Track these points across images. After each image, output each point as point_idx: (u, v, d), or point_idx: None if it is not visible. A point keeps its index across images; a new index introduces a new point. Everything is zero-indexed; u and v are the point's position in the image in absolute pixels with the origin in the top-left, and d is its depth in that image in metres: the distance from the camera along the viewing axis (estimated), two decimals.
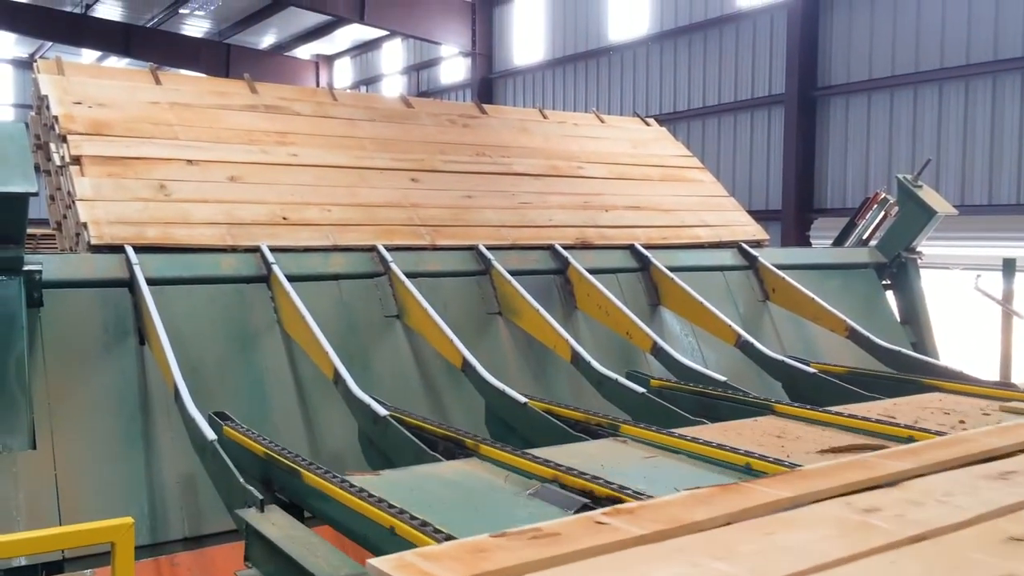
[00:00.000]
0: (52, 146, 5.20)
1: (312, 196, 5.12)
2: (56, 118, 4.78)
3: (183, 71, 22.01)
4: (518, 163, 6.21)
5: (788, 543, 1.60)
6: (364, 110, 6.14)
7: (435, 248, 5.20)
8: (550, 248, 5.70)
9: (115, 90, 5.24)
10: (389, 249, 4.95)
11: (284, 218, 4.85)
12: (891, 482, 2.02)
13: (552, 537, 1.58)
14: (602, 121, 7.59)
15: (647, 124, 7.89)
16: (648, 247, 6.03)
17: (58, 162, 5.04)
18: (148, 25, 25.53)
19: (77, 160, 4.59)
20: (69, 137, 4.64)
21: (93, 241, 4.21)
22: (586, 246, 5.86)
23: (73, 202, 4.66)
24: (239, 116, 5.48)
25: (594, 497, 2.61)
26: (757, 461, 2.95)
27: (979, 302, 7.86)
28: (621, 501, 2.55)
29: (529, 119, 7.01)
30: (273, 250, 4.61)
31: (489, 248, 5.39)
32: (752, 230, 6.76)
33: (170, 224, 4.53)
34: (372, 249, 5.07)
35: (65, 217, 5.21)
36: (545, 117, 7.15)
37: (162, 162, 4.84)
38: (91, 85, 5.20)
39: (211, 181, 4.89)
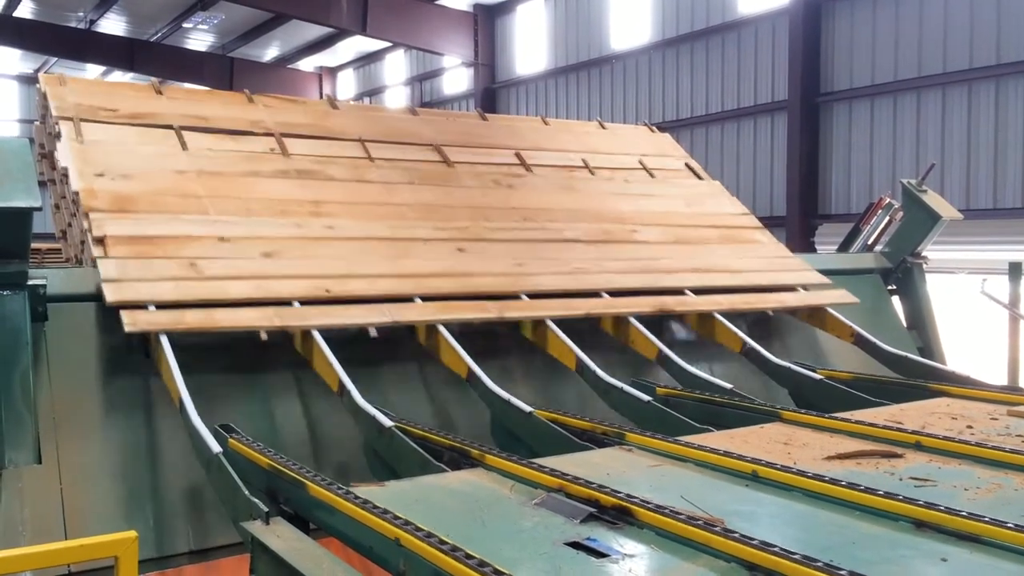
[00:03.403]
0: (56, 155, 5.22)
1: (355, 267, 4.64)
2: (77, 194, 4.41)
3: (186, 84, 22.12)
4: (568, 228, 5.62)
5: None
6: (401, 171, 5.62)
7: (503, 321, 4.67)
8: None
9: (140, 157, 4.81)
10: (449, 324, 4.44)
11: (327, 290, 4.36)
12: None
13: None
14: (604, 127, 7.59)
15: (652, 131, 7.88)
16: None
17: (61, 170, 5.06)
18: (152, 40, 25.68)
19: (101, 241, 4.15)
20: (92, 215, 4.24)
21: (128, 329, 3.78)
22: (664, 314, 5.20)
23: (78, 210, 4.67)
24: (270, 184, 5.04)
25: (600, 506, 2.60)
26: (764, 468, 2.93)
27: (986, 306, 7.83)
28: (627, 510, 2.54)
29: (576, 176, 6.40)
30: (324, 331, 4.15)
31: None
32: (838, 294, 5.98)
33: (206, 306, 4.03)
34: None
35: (70, 225, 5.22)
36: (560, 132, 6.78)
37: (192, 239, 4.38)
38: (113, 146, 4.86)
39: (245, 258, 4.42)
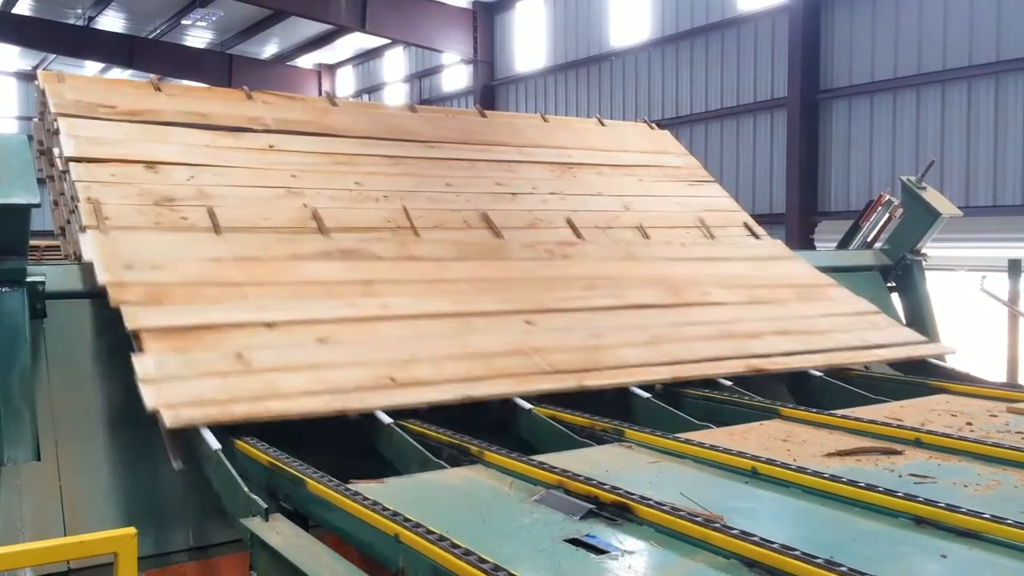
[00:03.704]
0: (55, 151, 5.22)
1: (417, 350, 4.17)
2: (105, 289, 3.92)
3: (185, 81, 22.09)
4: (638, 294, 5.20)
5: None
6: (451, 244, 5.21)
7: (584, 391, 4.18)
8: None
9: (170, 244, 4.40)
10: (529, 396, 4.00)
11: (392, 379, 3.91)
12: None
13: None
14: (603, 124, 7.59)
15: (652, 128, 7.88)
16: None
17: (61, 167, 5.05)
18: (151, 37, 25.64)
19: (136, 336, 3.73)
20: (123, 308, 3.80)
21: (170, 424, 3.33)
22: (756, 372, 4.71)
23: (77, 206, 4.66)
24: (313, 266, 4.60)
25: (599, 503, 2.60)
26: (763, 465, 2.93)
27: (985, 303, 7.83)
28: (627, 507, 2.54)
29: (635, 241, 5.99)
30: (392, 411, 3.72)
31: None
32: (934, 347, 5.60)
33: (259, 399, 3.59)
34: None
35: (68, 222, 5.21)
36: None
37: (235, 328, 3.92)
38: (142, 242, 4.35)
39: (297, 345, 3.95)
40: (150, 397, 3.38)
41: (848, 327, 5.42)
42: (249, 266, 4.43)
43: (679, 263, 5.81)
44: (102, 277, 3.93)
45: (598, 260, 5.52)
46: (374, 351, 4.04)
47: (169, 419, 3.28)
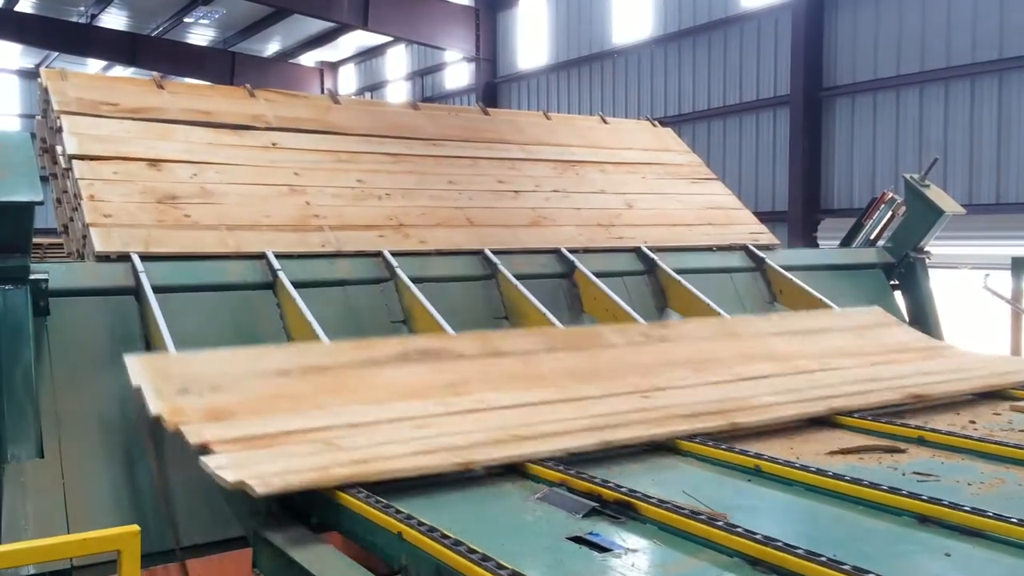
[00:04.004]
0: (58, 149, 5.22)
1: (532, 419, 3.68)
2: (160, 418, 3.34)
3: (188, 79, 22.09)
4: (750, 369, 4.70)
5: None
6: (539, 337, 4.69)
7: (736, 430, 3.55)
8: (556, 252, 5.68)
9: (227, 362, 3.78)
10: (677, 438, 3.44)
11: (514, 435, 3.42)
12: None
13: None
14: (606, 122, 7.58)
15: (655, 126, 7.87)
16: (655, 250, 5.89)
17: (64, 164, 5.05)
18: (153, 35, 25.65)
19: (204, 448, 3.12)
20: (183, 427, 3.24)
21: (260, 491, 2.73)
22: (917, 399, 4.31)
23: (80, 204, 4.66)
24: (392, 372, 4.03)
25: (603, 501, 2.60)
26: (767, 463, 2.93)
27: (988, 301, 7.82)
28: (630, 504, 2.53)
29: (729, 323, 5.37)
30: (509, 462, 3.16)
31: (496, 252, 5.35)
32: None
33: (362, 462, 3.06)
34: (378, 254, 5.07)
35: (72, 220, 5.22)
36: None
37: (317, 431, 3.36)
38: (197, 361, 3.75)
39: (392, 431, 3.45)
40: (230, 474, 2.75)
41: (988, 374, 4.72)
42: (318, 377, 3.82)
43: (782, 337, 5.25)
44: (155, 406, 3.24)
45: (699, 341, 4.98)
46: (483, 425, 3.45)
47: (259, 486, 2.67)
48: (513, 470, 2.97)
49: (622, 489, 2.61)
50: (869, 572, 1.97)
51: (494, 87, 21.81)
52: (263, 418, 3.35)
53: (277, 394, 3.57)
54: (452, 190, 5.93)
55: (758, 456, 2.99)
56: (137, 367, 3.51)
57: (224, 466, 2.85)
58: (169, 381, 3.50)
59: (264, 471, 2.76)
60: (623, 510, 2.53)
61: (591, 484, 2.69)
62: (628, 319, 5.11)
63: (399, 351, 4.13)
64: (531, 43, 20.91)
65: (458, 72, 23.77)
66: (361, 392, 3.73)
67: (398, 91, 26.28)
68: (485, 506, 2.71)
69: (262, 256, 4.71)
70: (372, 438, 3.20)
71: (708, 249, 6.40)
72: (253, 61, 26.96)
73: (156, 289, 4.19)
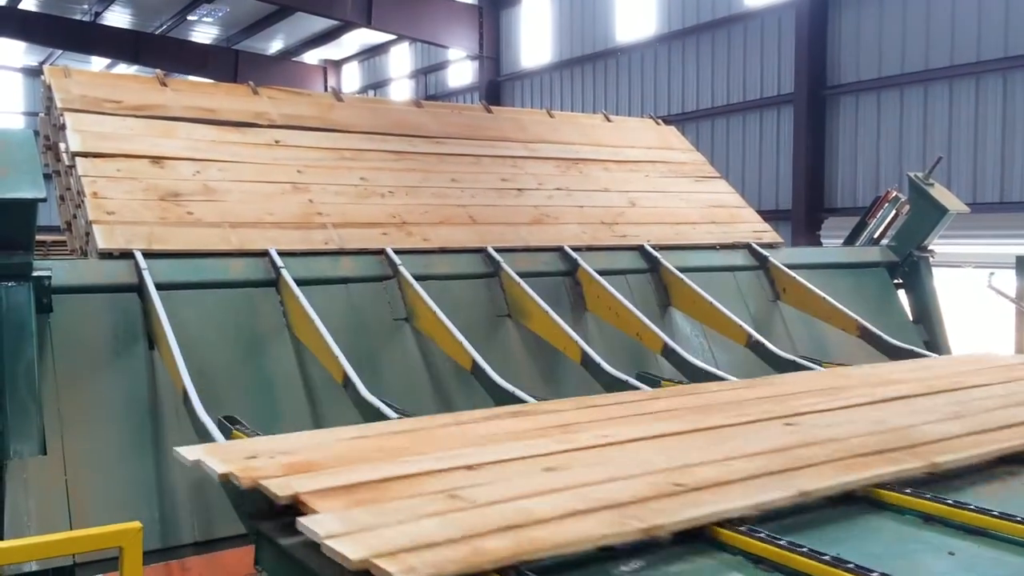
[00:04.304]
0: (61, 146, 5.22)
1: (681, 458, 2.91)
2: (230, 476, 2.62)
3: (191, 77, 22.10)
4: (883, 391, 3.89)
5: None
6: (637, 392, 4.16)
7: (937, 471, 2.82)
8: (559, 250, 5.68)
9: (297, 438, 3.14)
10: (882, 484, 2.67)
11: (677, 484, 2.64)
12: None
13: None
14: (609, 120, 7.57)
15: (658, 124, 7.86)
16: (658, 248, 5.93)
17: (67, 161, 5.06)
18: (157, 33, 25.67)
19: (297, 503, 2.47)
20: (264, 481, 2.55)
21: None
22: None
23: (83, 201, 4.67)
24: (487, 425, 3.34)
25: None
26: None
27: (992, 300, 7.80)
28: None
29: (834, 372, 4.58)
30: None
31: (499, 250, 5.36)
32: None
33: (513, 529, 2.32)
34: (381, 252, 5.07)
35: (75, 217, 5.23)
36: None
37: (429, 475, 2.68)
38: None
39: (521, 476, 2.70)
40: (351, 548, 2.12)
41: None
42: (405, 434, 3.17)
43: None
44: (221, 468, 2.61)
45: (806, 380, 4.34)
46: (626, 469, 2.74)
47: (400, 571, 2.00)
48: (693, 533, 2.31)
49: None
50: (873, 571, 1.96)
51: (497, 85, 21.80)
52: (357, 466, 2.66)
53: (364, 447, 2.91)
54: (455, 188, 5.93)
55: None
56: (192, 451, 2.87)
57: (336, 533, 2.16)
58: (234, 452, 2.89)
59: (391, 541, 2.11)
60: None
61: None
62: (631, 317, 5.10)
63: (486, 415, 3.51)
64: (534, 41, 20.90)
65: (461, 70, 23.77)
66: (461, 440, 3.06)
67: (401, 89, 26.28)
68: None
69: (265, 254, 4.71)
70: (503, 488, 2.50)
71: (711, 247, 6.40)
72: (256, 59, 26.97)
73: (159, 286, 4.19)
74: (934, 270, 6.85)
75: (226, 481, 2.55)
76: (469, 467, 2.71)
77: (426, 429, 3.22)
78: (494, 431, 3.16)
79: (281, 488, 2.42)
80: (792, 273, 6.09)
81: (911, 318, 6.73)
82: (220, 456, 2.76)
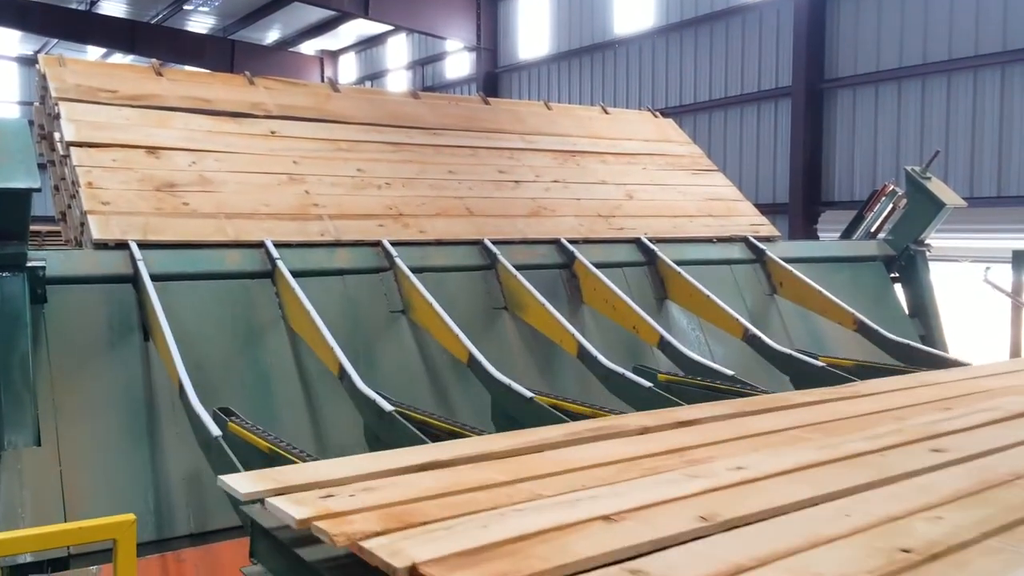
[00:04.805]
0: (56, 136, 5.20)
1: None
2: (313, 525, 1.92)
3: (187, 67, 22.01)
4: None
5: None
6: (720, 405, 3.48)
7: None
8: (556, 242, 5.68)
9: (357, 464, 2.57)
10: None
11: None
12: None
13: None
14: (607, 113, 7.55)
15: (656, 117, 7.85)
16: (655, 241, 5.94)
17: (62, 151, 5.03)
18: (153, 22, 25.55)
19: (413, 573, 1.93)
20: (368, 544, 2.00)
21: None
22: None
23: (78, 191, 4.65)
24: (577, 451, 2.79)
25: None
26: None
27: (988, 294, 7.81)
28: None
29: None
30: None
31: (495, 242, 5.36)
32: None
33: None
34: (377, 244, 5.06)
35: (69, 207, 5.21)
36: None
37: (572, 531, 2.10)
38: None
39: (694, 544, 2.15)
40: None
41: None
42: (486, 465, 2.61)
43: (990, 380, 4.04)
44: (298, 512, 2.12)
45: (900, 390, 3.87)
46: (816, 522, 2.15)
47: None
48: None
49: None
50: None
51: (495, 77, 21.74)
52: (467, 516, 2.15)
53: (452, 483, 2.40)
54: (452, 180, 5.91)
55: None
56: (244, 483, 2.38)
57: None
58: (295, 482, 2.41)
59: None
60: None
61: None
62: (628, 310, 5.10)
63: (563, 433, 3.01)
64: (532, 33, 20.84)
65: (459, 61, 23.70)
66: (564, 472, 2.54)
67: (399, 80, 26.20)
68: None
69: (261, 245, 4.70)
70: (686, 561, 1.93)
71: (708, 241, 6.39)
72: (253, 49, 26.86)
73: (154, 277, 4.18)
74: (931, 264, 6.86)
75: (304, 528, 2.07)
76: (608, 517, 2.18)
77: (505, 455, 2.71)
78: (594, 457, 2.65)
79: (393, 555, 1.90)
80: (789, 267, 6.09)
81: (907, 312, 6.73)
82: (278, 485, 2.31)
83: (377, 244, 5.06)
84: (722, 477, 2.45)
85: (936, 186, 6.71)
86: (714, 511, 2.17)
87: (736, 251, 6.38)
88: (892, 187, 7.11)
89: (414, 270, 4.89)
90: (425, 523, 2.10)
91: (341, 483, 2.38)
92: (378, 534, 2.01)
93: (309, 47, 28.36)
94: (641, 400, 4.07)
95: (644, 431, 3.03)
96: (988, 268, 7.46)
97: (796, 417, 3.26)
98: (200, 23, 26.41)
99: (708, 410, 3.37)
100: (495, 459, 2.67)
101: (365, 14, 20.54)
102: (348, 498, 2.25)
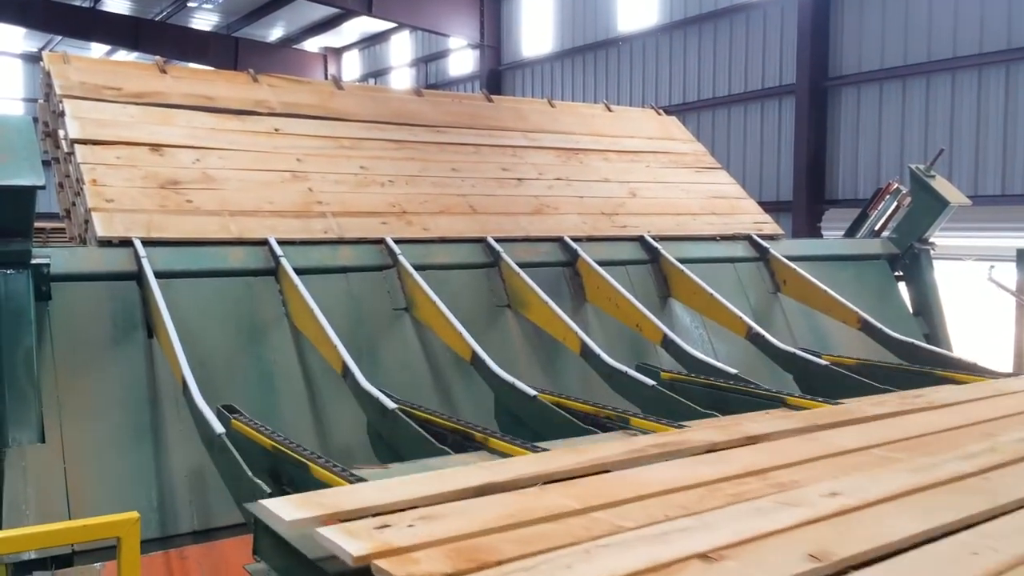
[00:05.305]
0: (61, 133, 5.20)
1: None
2: (372, 564, 1.64)
3: (191, 64, 22.02)
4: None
5: None
6: (781, 419, 3.30)
7: None
8: (559, 240, 5.67)
9: (407, 486, 2.38)
10: None
11: None
12: None
13: None
14: (610, 110, 7.54)
15: (659, 114, 7.84)
16: (658, 239, 5.94)
17: (66, 148, 5.04)
18: (157, 19, 25.56)
19: None
20: None
21: None
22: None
23: (82, 188, 4.65)
24: (645, 473, 2.57)
25: None
26: None
27: (992, 293, 7.79)
28: None
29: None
30: None
31: (498, 240, 5.36)
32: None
33: None
34: (380, 241, 5.06)
35: (74, 204, 5.21)
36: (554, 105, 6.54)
37: (668, 572, 1.91)
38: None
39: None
40: None
41: None
42: (556, 489, 2.38)
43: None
44: (355, 548, 1.92)
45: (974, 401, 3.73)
46: (952, 564, 1.94)
47: None
48: None
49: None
50: None
51: (498, 74, 21.73)
52: (548, 554, 1.90)
53: (521, 510, 2.16)
54: (455, 177, 5.91)
55: None
56: (289, 509, 2.18)
57: None
58: (344, 508, 2.21)
59: None
60: None
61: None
62: (631, 308, 5.09)
63: (625, 451, 2.75)
64: (536, 30, 20.82)
65: (462, 59, 23.68)
66: (642, 497, 2.29)
67: (402, 78, 26.19)
68: None
69: (264, 242, 4.70)
70: None
71: (712, 238, 6.39)
72: (257, 46, 26.86)
73: (158, 274, 4.18)
74: (935, 263, 6.84)
75: (362, 565, 1.86)
76: (706, 556, 1.95)
77: (568, 475, 2.50)
78: (668, 480, 2.43)
79: None
80: (792, 265, 6.08)
81: (911, 311, 6.72)
82: (326, 511, 2.11)
83: (380, 242, 5.06)
84: (819, 505, 2.21)
85: (940, 184, 6.69)
86: (824, 548, 1.94)
87: (740, 249, 6.37)
88: (896, 185, 7.09)
89: (417, 268, 4.89)
90: (500, 562, 1.84)
91: (396, 509, 2.16)
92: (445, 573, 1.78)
93: (313, 44, 28.36)
94: (644, 398, 4.07)
95: (713, 448, 2.82)
96: (992, 266, 7.44)
97: (874, 433, 3.04)
98: (204, 20, 26.42)
99: (775, 423, 3.17)
100: (558, 481, 2.45)
101: (369, 11, 20.54)
102: (407, 529, 2.04)
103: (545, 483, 2.43)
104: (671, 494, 2.32)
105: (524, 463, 2.65)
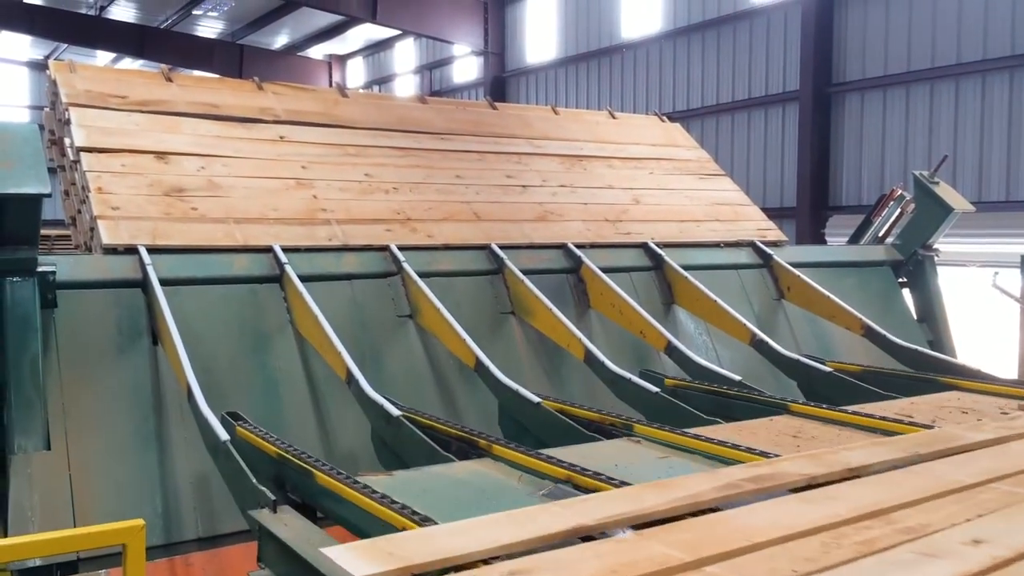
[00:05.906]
0: (66, 141, 5.23)
1: None
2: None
3: (196, 72, 22.11)
4: None
5: None
6: (883, 448, 2.93)
7: None
8: (563, 247, 5.68)
9: (487, 530, 2.16)
10: None
11: None
12: None
13: None
14: (614, 117, 7.56)
15: (663, 121, 7.85)
16: (662, 245, 5.95)
17: (72, 156, 5.06)
18: (162, 27, 25.67)
19: None
20: None
21: None
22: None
23: (87, 196, 4.67)
24: (758, 513, 2.35)
25: None
26: None
27: (997, 300, 7.78)
28: None
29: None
30: None
31: (502, 247, 5.37)
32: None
33: None
34: (385, 248, 5.08)
35: (80, 212, 5.24)
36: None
37: None
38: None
39: None
40: None
41: None
42: (652, 533, 2.19)
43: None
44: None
45: None
46: None
47: None
48: None
49: (627, 486, 2.51)
50: None
51: (502, 81, 21.77)
52: None
53: (624, 564, 1.92)
54: (459, 184, 5.93)
55: (764, 454, 2.92)
56: (356, 561, 1.93)
57: None
58: (427, 567, 1.95)
59: None
60: None
61: (596, 480, 2.57)
62: (635, 315, 5.10)
63: (718, 486, 2.50)
64: (540, 37, 20.86)
65: (466, 66, 23.74)
66: (752, 545, 2.04)
67: (406, 85, 26.25)
68: (490, 501, 2.69)
69: (269, 249, 4.72)
70: None
71: (715, 245, 6.39)
72: (261, 54, 26.95)
73: (163, 282, 4.20)
74: (939, 269, 6.84)
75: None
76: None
77: (662, 516, 2.27)
78: (780, 524, 2.17)
79: None
80: (796, 271, 6.08)
81: (915, 317, 6.71)
82: (400, 565, 1.88)
83: (385, 249, 5.08)
84: (967, 558, 1.95)
85: (944, 191, 6.69)
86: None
87: (743, 256, 6.38)
88: (900, 192, 7.09)
89: (421, 275, 4.90)
90: None
91: (478, 560, 1.93)
92: None
93: (317, 51, 28.45)
94: (648, 405, 4.07)
95: (812, 482, 2.56)
96: (997, 273, 7.45)
97: (988, 463, 2.75)
98: (209, 28, 26.52)
99: (872, 452, 2.86)
100: (653, 525, 2.20)
101: (373, 19, 20.60)
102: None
103: (638, 526, 2.19)
104: (789, 542, 2.06)
105: (610, 501, 2.37)
